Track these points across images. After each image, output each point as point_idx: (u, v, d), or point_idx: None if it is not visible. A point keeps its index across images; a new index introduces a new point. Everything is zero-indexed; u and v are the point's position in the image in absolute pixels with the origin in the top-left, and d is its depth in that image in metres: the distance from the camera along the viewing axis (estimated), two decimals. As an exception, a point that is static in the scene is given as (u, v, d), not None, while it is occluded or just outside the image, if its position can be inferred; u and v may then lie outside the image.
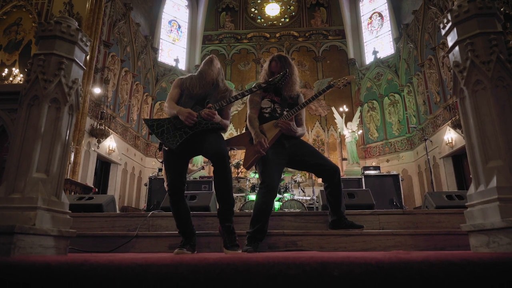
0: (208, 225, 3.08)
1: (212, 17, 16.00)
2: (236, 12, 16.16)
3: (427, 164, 10.56)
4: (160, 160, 2.76)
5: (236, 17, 16.10)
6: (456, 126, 9.19)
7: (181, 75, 3.03)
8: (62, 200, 1.90)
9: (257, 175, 8.58)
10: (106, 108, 10.32)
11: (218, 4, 16.19)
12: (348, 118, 12.32)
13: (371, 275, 0.83)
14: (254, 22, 16.22)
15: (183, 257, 0.96)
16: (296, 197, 7.08)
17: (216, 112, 2.41)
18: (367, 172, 7.72)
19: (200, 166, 8.30)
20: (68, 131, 1.98)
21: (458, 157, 10.20)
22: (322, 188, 2.96)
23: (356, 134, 11.98)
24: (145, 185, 8.07)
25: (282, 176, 7.70)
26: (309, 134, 13.87)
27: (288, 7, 16.61)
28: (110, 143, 10.52)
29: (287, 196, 6.91)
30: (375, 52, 14.19)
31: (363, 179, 7.38)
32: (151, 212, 3.21)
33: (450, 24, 1.97)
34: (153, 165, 12.65)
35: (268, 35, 15.67)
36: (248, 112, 2.73)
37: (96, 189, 9.15)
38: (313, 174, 9.99)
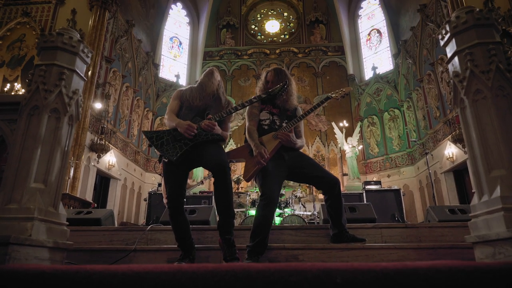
0: (207, 239, 3.04)
1: (213, 33, 16.23)
2: (236, 29, 16.39)
3: (428, 179, 10.50)
4: (159, 173, 2.74)
5: (237, 34, 16.32)
6: (456, 140, 9.17)
7: (182, 91, 3.04)
8: (59, 211, 1.87)
9: (257, 189, 8.53)
10: (107, 123, 10.34)
11: (219, 21, 16.44)
12: (348, 133, 12.33)
13: (375, 282, 0.81)
14: (254, 39, 16.44)
15: (181, 265, 0.93)
16: (297, 212, 7.01)
17: (216, 123, 2.40)
18: (368, 187, 7.68)
19: (199, 181, 8.25)
20: (67, 142, 1.97)
21: (459, 172, 10.15)
22: (323, 203, 2.92)
23: (357, 149, 11.97)
24: (145, 200, 8.01)
25: (283, 191, 7.66)
26: (309, 150, 13.85)
27: (288, 24, 16.86)
28: (110, 158, 10.49)
29: (287, 211, 6.84)
30: (374, 68, 14.31)
31: (364, 194, 7.33)
32: (149, 226, 3.16)
33: (448, 35, 1.98)
34: (153, 181, 12.59)
35: (268, 51, 15.85)
36: (247, 124, 2.72)
37: (95, 205, 9.08)
38: (314, 190, 9.96)
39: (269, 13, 17.11)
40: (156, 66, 14.41)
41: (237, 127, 14.33)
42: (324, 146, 13.95)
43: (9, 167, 1.79)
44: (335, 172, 13.44)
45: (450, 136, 9.62)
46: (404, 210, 7.20)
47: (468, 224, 1.80)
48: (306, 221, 6.28)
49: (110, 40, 10.97)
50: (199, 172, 11.66)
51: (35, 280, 0.90)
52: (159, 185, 7.81)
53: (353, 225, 3.07)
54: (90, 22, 9.83)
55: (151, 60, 13.86)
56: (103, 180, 10.91)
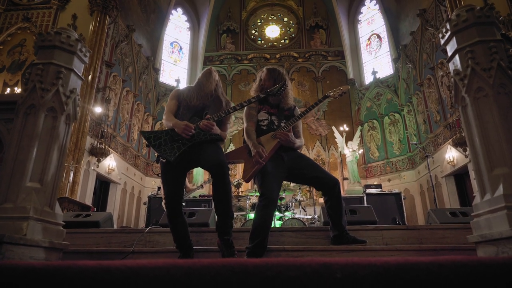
0: (206, 241, 3.00)
1: (213, 38, 16.28)
2: (236, 34, 16.45)
3: (429, 183, 10.46)
4: (158, 173, 2.71)
5: (237, 39, 16.38)
6: (457, 144, 9.14)
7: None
8: (55, 211, 1.85)
9: (257, 193, 8.48)
10: (107, 127, 10.33)
11: (219, 26, 16.50)
12: (349, 137, 12.31)
13: (376, 276, 0.78)
14: (255, 44, 16.49)
15: (176, 260, 0.91)
16: (297, 216, 6.97)
17: (215, 123, 2.38)
18: (368, 190, 7.63)
19: (199, 185, 8.21)
20: (64, 141, 1.95)
21: (460, 176, 10.10)
22: (324, 207, 2.89)
23: (357, 153, 11.93)
24: (144, 204, 7.97)
25: (283, 194, 7.63)
26: (310, 154, 13.82)
27: (288, 29, 16.92)
28: (110, 162, 10.47)
29: (288, 215, 6.80)
30: (374, 73, 14.33)
31: (364, 198, 7.29)
32: (148, 228, 3.13)
33: (449, 33, 1.97)
34: (153, 185, 12.55)
35: (268, 56, 15.89)
36: (245, 125, 2.70)
37: (95, 209, 9.03)
38: (314, 193, 9.91)
39: (269, 18, 17.18)
40: (157, 71, 14.44)
41: (237, 131, 14.32)
42: (325, 150, 13.93)
43: (5, 166, 1.77)
44: (336, 176, 13.35)
45: (450, 140, 9.60)
46: (405, 214, 7.16)
47: (470, 223, 1.77)
48: (307, 225, 6.23)
49: (111, 45, 11.00)
50: (199, 176, 11.62)
51: (26, 276, 0.87)
52: (159, 188, 7.78)
53: (354, 227, 3.04)
54: (90, 27, 9.86)
55: (152, 64, 13.90)
56: (103, 184, 10.87)
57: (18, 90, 9.09)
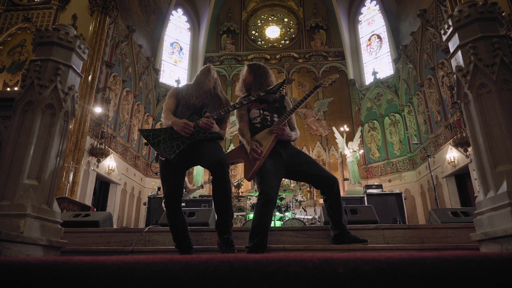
0: (206, 240, 2.98)
1: (214, 39, 16.28)
2: (237, 35, 16.44)
3: (430, 183, 10.44)
4: (156, 172, 2.68)
5: (237, 39, 16.37)
6: (458, 144, 9.12)
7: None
8: (53, 209, 1.83)
9: (257, 193, 8.45)
10: (107, 127, 10.31)
11: (219, 27, 16.49)
12: (349, 138, 12.29)
13: (380, 271, 0.76)
14: (255, 44, 16.48)
15: (173, 256, 0.88)
16: (297, 216, 6.94)
17: (214, 121, 2.35)
18: (369, 190, 7.61)
19: (200, 185, 8.19)
20: (62, 138, 1.93)
21: (461, 176, 10.07)
22: (324, 206, 2.86)
23: (357, 154, 11.90)
24: (144, 204, 7.95)
25: (283, 195, 7.60)
26: (310, 154, 13.79)
27: (288, 29, 16.91)
28: (110, 163, 10.45)
29: (288, 215, 6.77)
30: (374, 73, 14.31)
31: (365, 198, 7.26)
32: (147, 228, 3.11)
33: (451, 29, 1.95)
34: (153, 185, 12.53)
35: (268, 57, 15.87)
36: (237, 126, 2.69)
37: (95, 209, 9.01)
38: (315, 194, 9.88)
39: (270, 18, 17.17)
40: (157, 71, 14.43)
41: (237, 132, 14.27)
42: (325, 151, 13.90)
43: (2, 163, 1.75)
44: (336, 176, 13.33)
45: (451, 140, 9.57)
46: (406, 214, 7.13)
47: (473, 221, 1.74)
48: (307, 225, 6.20)
49: (111, 45, 10.99)
50: (199, 177, 11.60)
51: (21, 272, 0.85)
52: (159, 189, 7.76)
53: (355, 226, 3.02)
54: (90, 27, 9.86)
55: (152, 65, 13.88)
56: (103, 185, 10.85)
57: (18, 90, 9.08)
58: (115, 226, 5.70)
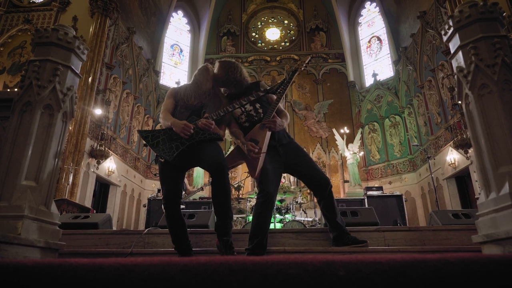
0: (206, 243, 2.96)
1: (214, 41, 16.29)
2: (237, 37, 16.46)
3: (430, 185, 10.41)
4: (154, 173, 2.67)
5: (237, 41, 16.39)
6: (458, 146, 9.10)
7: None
8: (51, 210, 1.81)
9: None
10: (107, 129, 10.30)
11: (220, 29, 16.52)
12: (349, 140, 12.28)
13: (381, 274, 0.74)
14: (255, 46, 16.49)
15: (171, 258, 0.87)
16: (298, 218, 6.92)
17: (214, 122, 2.33)
18: (369, 192, 7.59)
19: (199, 187, 8.17)
20: (61, 139, 1.92)
21: (461, 178, 10.05)
22: None
23: (358, 156, 11.89)
24: (144, 206, 7.93)
25: (284, 197, 7.57)
26: (311, 156, 13.75)
27: (288, 31, 16.93)
28: (110, 165, 10.43)
29: (288, 217, 6.75)
30: (374, 75, 14.31)
31: (365, 200, 7.24)
32: (147, 229, 3.09)
33: (451, 30, 1.94)
34: (153, 187, 12.51)
35: (268, 59, 15.89)
36: (228, 131, 2.65)
37: (94, 211, 8.99)
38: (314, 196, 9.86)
39: (270, 20, 17.20)
40: (157, 73, 14.43)
41: (237, 133, 14.26)
42: (325, 153, 13.89)
43: (0, 164, 1.73)
44: (336, 179, 13.37)
45: (451, 142, 9.55)
46: (406, 216, 7.10)
47: (475, 223, 1.73)
48: (307, 227, 6.18)
49: (111, 47, 11.00)
50: (199, 179, 11.58)
51: (17, 274, 0.83)
52: (159, 191, 7.73)
53: (356, 228, 3.00)
54: (91, 29, 9.87)
55: (152, 67, 13.89)
56: (103, 187, 10.83)
57: (18, 92, 9.08)
58: (114, 228, 5.68)
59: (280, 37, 16.82)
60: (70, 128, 8.33)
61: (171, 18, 15.46)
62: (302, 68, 2.78)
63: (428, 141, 11.29)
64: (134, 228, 11.66)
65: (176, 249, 2.36)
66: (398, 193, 7.93)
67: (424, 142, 11.63)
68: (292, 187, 11.65)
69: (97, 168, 9.81)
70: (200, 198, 8.22)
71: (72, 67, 2.02)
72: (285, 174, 11.91)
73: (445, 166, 10.12)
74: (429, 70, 11.18)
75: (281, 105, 2.72)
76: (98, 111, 9.78)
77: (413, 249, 2.59)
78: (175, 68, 15.66)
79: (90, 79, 9.22)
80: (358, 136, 12.77)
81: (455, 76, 1.88)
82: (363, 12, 16.00)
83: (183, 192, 7.04)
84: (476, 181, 7.66)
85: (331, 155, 13.81)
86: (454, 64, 1.94)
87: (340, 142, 12.22)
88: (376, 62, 14.98)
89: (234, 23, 16.63)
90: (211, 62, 15.82)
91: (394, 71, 13.81)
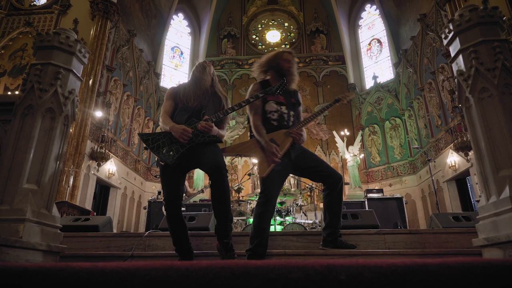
0: (206, 245, 2.96)
1: (214, 43, 16.33)
2: (237, 39, 16.50)
3: (430, 188, 10.41)
4: (155, 175, 2.67)
5: (238, 44, 16.42)
6: (458, 149, 9.10)
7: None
8: (53, 213, 1.82)
9: (258, 198, 8.42)
10: (107, 131, 10.31)
11: (220, 31, 16.55)
12: (350, 142, 12.28)
13: (382, 278, 0.75)
14: (255, 48, 16.52)
15: (173, 262, 0.87)
16: (298, 221, 6.91)
17: (213, 124, 2.33)
18: (370, 195, 7.58)
19: (200, 190, 8.17)
20: (62, 142, 1.92)
21: (462, 181, 10.05)
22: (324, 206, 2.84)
23: (358, 158, 11.89)
24: (144, 208, 7.92)
25: (284, 199, 7.57)
26: (311, 158, 13.77)
27: (289, 34, 16.97)
28: (110, 167, 10.43)
29: (289, 219, 6.74)
30: (375, 77, 14.32)
31: (366, 202, 7.23)
32: (147, 232, 3.09)
33: (452, 33, 1.95)
34: (153, 189, 12.50)
35: (269, 61, 15.89)
36: (251, 119, 2.58)
37: (95, 213, 8.99)
38: (315, 198, 9.85)
39: (270, 23, 17.24)
40: (157, 76, 14.46)
41: (238, 136, 14.30)
42: (326, 155, 13.88)
43: (1, 167, 1.74)
44: (337, 181, 13.34)
45: (452, 144, 9.56)
46: (406, 218, 7.10)
47: (476, 226, 1.73)
48: (308, 230, 6.18)
49: (112, 49, 11.02)
50: (200, 181, 11.58)
51: (19, 278, 0.84)
52: (159, 193, 7.74)
53: (356, 231, 3.00)
54: (92, 32, 9.88)
55: (152, 69, 13.92)
56: (103, 189, 10.83)
57: (19, 94, 9.09)
58: (115, 231, 5.68)
59: (281, 39, 16.86)
60: (71, 130, 8.34)
61: (172, 20, 15.51)
62: (345, 102, 2.82)
63: (429, 143, 11.29)
64: (135, 230, 11.65)
65: (177, 252, 2.36)
66: (398, 195, 7.92)
67: (424, 144, 11.63)
68: (292, 189, 11.65)
69: (98, 170, 9.82)
70: (200, 200, 8.21)
71: (74, 70, 2.03)
72: (285, 177, 11.90)
73: (446, 169, 10.11)
74: (429, 73, 11.19)
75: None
76: (98, 114, 9.80)
77: (413, 252, 2.59)
78: (176, 70, 15.69)
79: (90, 82, 9.23)
80: (359, 138, 12.77)
81: (456, 80, 1.89)
82: (363, 14, 16.04)
83: (184, 195, 7.02)
84: (477, 183, 7.66)
85: (332, 157, 13.81)
86: (455, 67, 1.95)
87: (340, 144, 12.23)
88: (376, 65, 15.00)
89: (235, 25, 16.67)
90: (211, 64, 15.84)
91: (395, 74, 13.83)
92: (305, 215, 7.72)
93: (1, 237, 1.43)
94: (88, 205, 9.20)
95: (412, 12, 12.29)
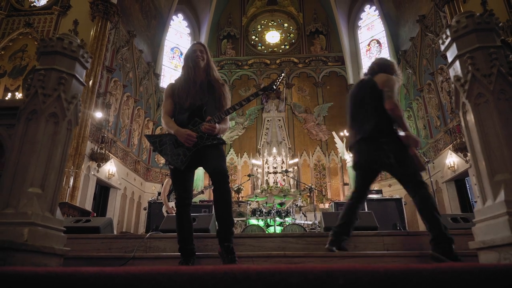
0: (207, 247, 2.99)
1: (214, 44, 16.36)
2: (237, 40, 16.54)
3: (429, 188, 10.44)
4: (160, 163, 2.71)
5: (237, 44, 16.46)
6: (457, 149, 9.14)
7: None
8: (56, 216, 1.85)
9: (257, 198, 8.48)
10: (107, 132, 10.34)
11: (220, 32, 16.60)
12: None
13: (379, 283, 0.78)
14: (255, 49, 16.56)
15: (179, 267, 0.90)
16: (297, 222, 6.95)
17: (216, 125, 2.36)
18: (369, 196, 7.61)
19: (200, 190, 8.20)
20: (65, 146, 1.95)
21: (461, 181, 10.09)
22: (324, 212, 2.91)
23: (357, 159, 11.91)
24: (144, 209, 7.95)
25: (284, 200, 7.61)
26: (310, 159, 13.83)
27: (288, 34, 17.01)
28: (110, 168, 10.46)
29: (288, 220, 6.78)
30: (374, 78, 14.34)
31: (365, 203, 7.26)
32: (148, 234, 3.13)
33: (449, 39, 1.98)
34: (153, 190, 12.53)
35: (268, 62, 15.95)
36: None
37: (95, 214, 9.01)
38: (314, 199, 9.90)
39: (270, 24, 17.28)
40: (157, 76, 14.49)
41: (237, 136, 14.33)
42: (325, 156, 13.93)
43: (6, 172, 1.77)
44: (336, 181, 13.41)
45: (451, 145, 9.60)
46: (406, 219, 7.13)
47: (472, 229, 1.77)
48: (307, 230, 6.21)
49: (112, 50, 11.05)
50: (199, 182, 11.61)
51: (29, 282, 0.87)
52: (159, 194, 7.76)
53: (355, 233, 3.03)
54: (92, 33, 9.90)
55: (152, 70, 13.95)
56: (103, 190, 10.86)
57: (19, 95, 9.11)
58: (115, 231, 5.71)
59: (280, 40, 16.90)
60: (71, 131, 8.35)
61: (171, 21, 15.54)
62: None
63: (428, 144, 11.33)
64: (134, 230, 11.68)
65: (180, 251, 2.39)
66: (397, 196, 7.95)
67: (423, 145, 11.66)
68: (292, 190, 11.70)
69: (98, 171, 9.85)
70: (200, 201, 8.24)
71: (77, 75, 2.06)
72: (285, 176, 11.96)
73: (445, 169, 10.15)
74: (428, 74, 11.23)
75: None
76: (98, 114, 9.83)
77: (411, 254, 2.62)
78: (175, 71, 15.71)
79: (90, 83, 9.25)
80: (358, 139, 12.79)
81: (452, 85, 1.92)
82: (363, 15, 16.08)
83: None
84: (475, 184, 7.70)
85: (331, 158, 13.84)
86: (452, 73, 1.98)
87: (340, 145, 12.26)
88: (376, 65, 15.03)
89: (234, 26, 16.71)
90: (211, 65, 15.86)
91: (394, 75, 13.85)
92: (305, 216, 7.75)
93: (7, 240, 1.46)
94: (88, 206, 9.23)
95: (411, 13, 12.34)
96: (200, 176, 11.66)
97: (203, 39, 16.08)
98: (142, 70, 13.23)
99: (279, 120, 14.22)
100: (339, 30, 15.59)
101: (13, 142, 1.85)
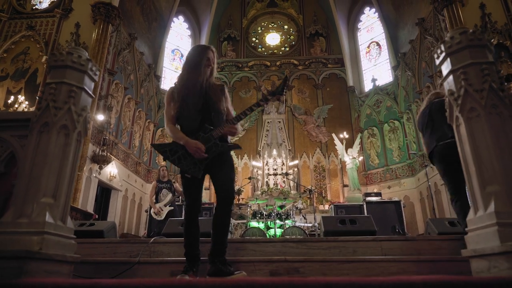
0: (209, 252, 3.07)
1: (214, 46, 16.14)
2: (237, 42, 16.62)
3: (428, 190, 10.52)
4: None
5: (238, 46, 16.54)
6: (456, 152, 9.21)
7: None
8: (67, 224, 1.93)
9: (258, 201, 8.56)
10: (109, 134, 10.42)
11: (220, 34, 16.68)
12: (349, 144, 12.41)
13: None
14: (255, 51, 16.65)
15: (191, 280, 0.97)
16: (297, 224, 7.03)
17: (237, 126, 2.41)
18: (368, 198, 7.70)
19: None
20: (76, 157, 2.04)
21: (459, 184, 10.15)
22: (324, 215, 2.98)
23: (357, 161, 12.02)
24: (146, 211, 8.02)
25: (284, 202, 7.68)
26: (310, 161, 13.92)
27: (288, 36, 17.10)
28: (112, 169, 10.54)
29: (288, 223, 6.86)
30: (373, 80, 14.45)
31: (364, 206, 7.36)
32: (153, 239, 3.21)
33: (444, 54, 2.06)
34: (153, 192, 12.59)
35: (268, 63, 16.04)
36: None
37: (97, 216, 9.09)
38: (314, 201, 9.97)
39: (270, 26, 17.37)
40: (158, 78, 14.58)
41: (237, 138, 14.41)
42: (325, 158, 14.01)
43: (20, 182, 1.85)
44: (336, 183, 13.50)
45: (449, 147, 9.66)
46: (404, 222, 7.22)
47: (464, 238, 1.85)
48: (307, 233, 6.30)
49: (113, 53, 11.13)
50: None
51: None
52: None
53: (354, 238, 3.12)
54: (93, 36, 9.97)
55: (153, 72, 14.02)
56: (104, 191, 10.94)
57: (21, 97, 9.18)
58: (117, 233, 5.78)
59: (280, 42, 16.99)
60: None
61: (172, 23, 15.62)
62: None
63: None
64: (135, 232, 11.77)
65: (186, 255, 2.45)
66: (396, 199, 8.05)
67: (422, 147, 11.74)
68: (292, 192, 11.78)
69: (99, 173, 9.92)
70: (201, 203, 8.30)
71: (86, 88, 2.14)
72: (285, 178, 12.03)
73: (443, 172, 10.21)
74: (427, 76, 11.30)
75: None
76: (100, 117, 9.90)
77: (408, 258, 2.70)
78: (176, 72, 15.78)
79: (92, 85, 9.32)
80: (358, 140, 12.90)
81: (447, 99, 2.00)
82: (362, 17, 16.17)
83: (180, 198, 7.14)
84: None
85: (331, 159, 13.93)
86: (446, 87, 2.06)
87: (339, 147, 12.36)
88: (375, 68, 15.13)
89: (235, 28, 16.79)
90: (212, 67, 15.93)
91: (393, 77, 13.96)
92: (305, 218, 7.83)
93: (25, 250, 1.54)
94: (90, 208, 9.31)
95: (410, 16, 12.42)
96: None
97: (204, 41, 16.16)
98: (143, 72, 13.31)
99: (279, 122, 14.30)
100: (339, 32, 15.68)
101: (25, 153, 1.93)
